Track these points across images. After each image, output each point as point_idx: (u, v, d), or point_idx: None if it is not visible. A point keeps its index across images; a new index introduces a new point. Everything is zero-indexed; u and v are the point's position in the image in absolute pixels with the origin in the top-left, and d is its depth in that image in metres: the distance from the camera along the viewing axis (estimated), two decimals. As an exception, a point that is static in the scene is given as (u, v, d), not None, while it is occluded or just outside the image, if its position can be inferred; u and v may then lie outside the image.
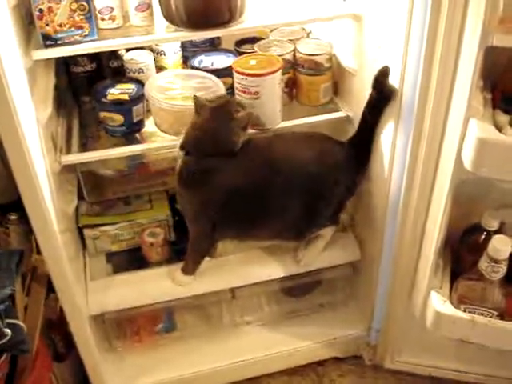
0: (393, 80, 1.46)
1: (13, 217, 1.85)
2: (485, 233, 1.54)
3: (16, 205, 1.60)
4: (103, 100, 1.62)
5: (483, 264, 1.45)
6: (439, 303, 1.56)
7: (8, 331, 1.38)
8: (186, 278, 1.74)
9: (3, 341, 1.37)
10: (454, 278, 1.60)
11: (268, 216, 1.63)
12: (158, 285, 1.76)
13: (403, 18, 1.34)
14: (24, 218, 1.72)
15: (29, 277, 1.69)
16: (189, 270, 1.73)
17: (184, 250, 1.76)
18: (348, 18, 1.60)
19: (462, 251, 1.62)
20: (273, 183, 1.57)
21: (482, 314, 1.53)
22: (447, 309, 1.55)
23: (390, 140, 1.53)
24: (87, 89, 1.74)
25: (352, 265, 1.94)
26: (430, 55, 1.29)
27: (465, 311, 1.54)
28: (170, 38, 1.59)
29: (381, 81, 1.48)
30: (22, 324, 1.46)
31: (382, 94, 1.50)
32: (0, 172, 1.90)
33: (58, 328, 1.82)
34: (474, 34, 1.18)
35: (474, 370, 1.87)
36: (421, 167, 1.46)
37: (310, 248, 1.82)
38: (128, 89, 1.65)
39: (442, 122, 1.35)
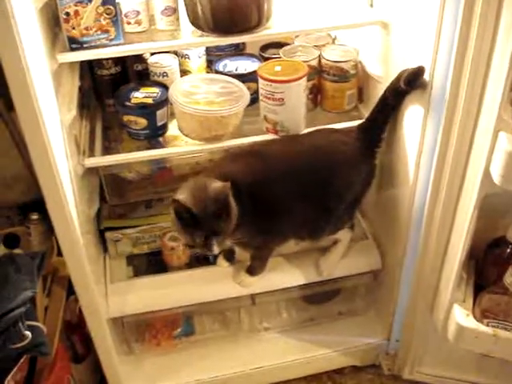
0: (420, 94, 1.45)
1: (34, 216, 1.86)
2: (510, 246, 1.52)
3: (37, 204, 1.61)
4: (127, 103, 1.62)
5: (508, 278, 1.42)
6: (462, 316, 1.54)
7: (28, 333, 1.39)
8: (254, 279, 1.77)
9: (23, 343, 1.38)
10: (478, 291, 1.58)
11: (292, 212, 1.62)
12: (179, 289, 1.76)
13: (432, 26, 1.32)
14: (45, 218, 1.74)
15: (50, 278, 1.70)
16: (257, 272, 1.77)
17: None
18: (376, 25, 1.59)
19: (487, 264, 1.59)
20: (292, 183, 1.56)
21: (505, 329, 1.51)
22: (470, 322, 1.53)
23: (416, 149, 1.51)
24: (111, 92, 1.74)
25: (373, 273, 1.92)
26: (459, 66, 1.27)
27: (488, 325, 1.52)
28: (196, 43, 1.59)
29: (415, 78, 1.46)
30: (42, 326, 1.47)
31: (412, 88, 1.48)
32: (21, 172, 1.92)
33: (77, 329, 1.83)
34: (506, 45, 1.16)
35: (496, 383, 1.84)
36: (447, 178, 1.44)
37: (330, 257, 1.82)
38: (152, 92, 1.65)
39: (470, 134, 1.33)
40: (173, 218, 1.44)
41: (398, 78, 1.50)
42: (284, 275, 1.81)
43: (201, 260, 1.83)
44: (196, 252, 1.51)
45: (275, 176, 1.55)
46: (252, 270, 1.77)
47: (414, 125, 1.50)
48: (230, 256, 1.81)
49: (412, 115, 1.53)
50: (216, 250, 1.44)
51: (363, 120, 1.65)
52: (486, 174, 1.30)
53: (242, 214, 1.47)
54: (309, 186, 1.57)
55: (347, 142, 1.62)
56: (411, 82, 1.47)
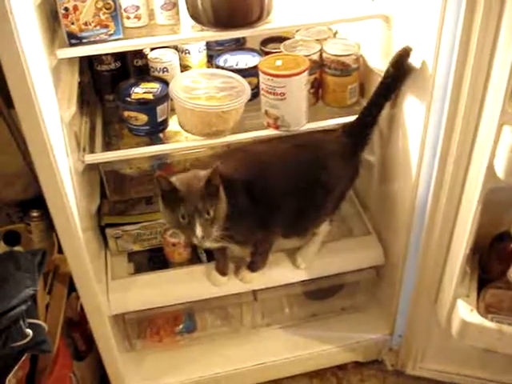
0: (422, 88, 1.44)
1: (34, 213, 1.85)
2: (514, 241, 1.51)
3: (37, 201, 1.60)
4: (127, 99, 1.60)
5: (513, 273, 1.42)
6: (466, 312, 1.53)
7: (29, 331, 1.39)
8: (255, 275, 1.77)
9: (25, 341, 1.37)
10: (482, 286, 1.57)
11: (280, 210, 1.62)
12: (180, 286, 1.75)
13: (435, 19, 1.31)
14: (46, 215, 1.73)
15: (51, 275, 1.69)
16: (259, 268, 1.76)
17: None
18: (377, 19, 1.57)
19: (491, 259, 1.59)
20: (277, 179, 1.57)
21: (509, 324, 1.50)
22: (474, 318, 1.52)
23: (419, 143, 1.50)
24: (111, 87, 1.72)
25: (375, 268, 1.91)
26: (462, 59, 1.26)
27: (492, 320, 1.51)
28: (196, 38, 1.58)
29: (402, 60, 1.49)
30: (43, 324, 1.46)
31: (399, 73, 1.51)
32: (22, 169, 1.91)
33: (78, 327, 1.82)
34: (509, 37, 1.15)
35: (500, 378, 1.83)
36: (450, 172, 1.43)
37: (308, 249, 1.81)
38: (152, 88, 1.63)
39: (474, 128, 1.32)
40: (159, 197, 1.43)
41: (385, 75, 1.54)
42: (285, 271, 1.81)
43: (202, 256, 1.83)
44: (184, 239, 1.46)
45: (262, 172, 1.56)
46: (253, 266, 1.76)
47: (417, 119, 1.49)
48: (224, 269, 1.77)
49: (414, 109, 1.51)
50: (199, 232, 1.38)
51: (349, 122, 1.65)
52: (490, 168, 1.29)
53: (234, 210, 1.47)
54: (295, 181, 1.58)
55: (330, 139, 1.64)
56: (399, 63, 1.49)
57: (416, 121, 1.50)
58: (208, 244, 1.57)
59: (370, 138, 1.67)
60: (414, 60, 1.47)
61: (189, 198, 1.38)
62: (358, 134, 1.65)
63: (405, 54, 1.48)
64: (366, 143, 1.67)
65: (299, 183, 1.59)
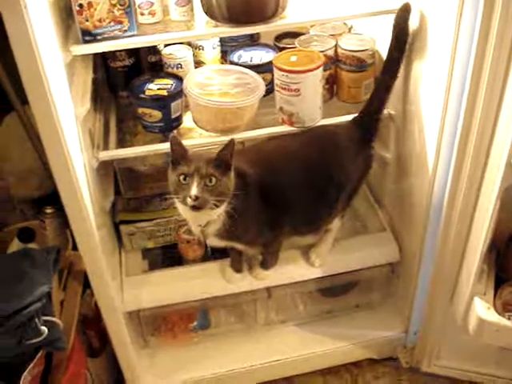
0: (438, 83, 1.42)
1: (49, 210, 1.85)
2: (532, 238, 1.49)
3: (52, 198, 1.60)
4: (141, 95, 1.60)
5: (530, 271, 1.40)
6: (483, 310, 1.52)
7: (44, 329, 1.38)
8: (269, 272, 1.77)
9: (40, 338, 1.37)
10: (499, 284, 1.55)
11: (292, 208, 1.61)
12: (194, 283, 1.76)
13: (452, 12, 1.29)
14: (60, 212, 1.73)
15: (65, 272, 1.69)
16: (270, 266, 1.77)
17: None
18: (393, 14, 1.55)
19: (508, 256, 1.57)
20: (292, 178, 1.57)
21: (526, 322, 1.49)
22: (491, 316, 1.50)
23: (436, 139, 1.48)
24: (125, 84, 1.72)
25: (391, 265, 1.90)
26: (480, 54, 1.24)
27: (509, 319, 1.49)
28: (211, 34, 1.57)
29: (403, 17, 1.49)
30: (58, 321, 1.46)
31: (403, 36, 1.51)
32: (36, 165, 1.91)
33: (92, 323, 1.82)
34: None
35: (516, 376, 1.82)
36: (468, 169, 1.41)
37: (321, 246, 1.81)
38: (166, 84, 1.63)
39: (492, 124, 1.30)
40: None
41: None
42: (299, 268, 1.80)
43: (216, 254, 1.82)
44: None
45: (274, 170, 1.56)
46: (265, 265, 1.76)
47: (434, 114, 1.47)
48: (238, 266, 1.77)
49: (431, 105, 1.50)
50: (195, 191, 1.34)
51: (357, 115, 1.65)
52: (509, 165, 1.27)
53: (244, 210, 1.47)
54: (307, 176, 1.58)
55: (340, 131, 1.64)
56: (402, 19, 1.49)
57: (433, 116, 1.48)
58: (216, 242, 1.58)
59: (379, 126, 1.65)
60: (430, 53, 1.46)
61: (195, 160, 1.38)
62: (368, 122, 1.64)
63: (405, 9, 1.48)
64: (376, 132, 1.66)
65: (311, 178, 1.58)
